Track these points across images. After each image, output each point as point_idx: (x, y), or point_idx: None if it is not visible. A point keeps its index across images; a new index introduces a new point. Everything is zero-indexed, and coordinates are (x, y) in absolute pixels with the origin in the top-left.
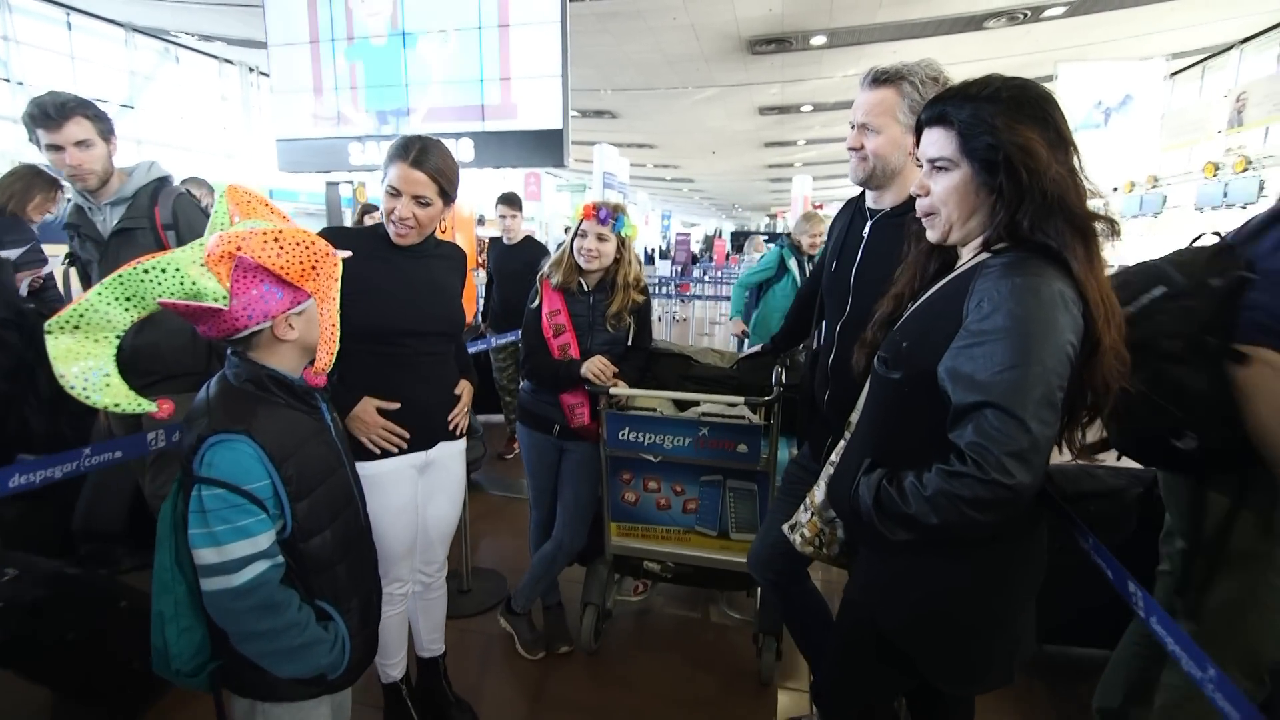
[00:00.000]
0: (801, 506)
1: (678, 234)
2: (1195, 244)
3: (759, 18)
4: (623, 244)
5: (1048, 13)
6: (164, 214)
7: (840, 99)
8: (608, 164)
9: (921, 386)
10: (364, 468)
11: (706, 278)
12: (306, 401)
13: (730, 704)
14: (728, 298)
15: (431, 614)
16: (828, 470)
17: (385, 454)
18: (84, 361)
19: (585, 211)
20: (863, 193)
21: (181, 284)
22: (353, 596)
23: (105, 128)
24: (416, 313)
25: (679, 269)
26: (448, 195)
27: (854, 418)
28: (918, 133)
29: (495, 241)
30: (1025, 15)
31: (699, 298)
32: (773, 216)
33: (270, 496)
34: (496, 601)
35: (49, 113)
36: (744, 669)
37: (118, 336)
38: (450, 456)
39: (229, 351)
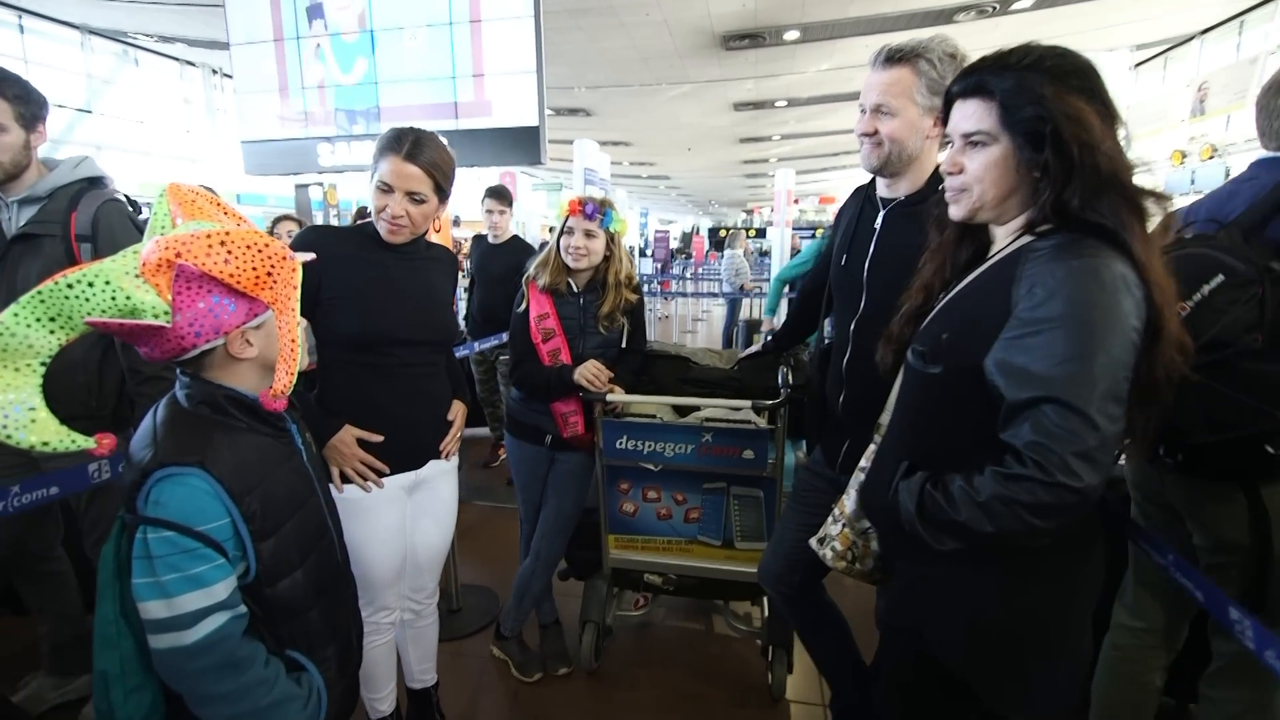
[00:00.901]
0: (830, 518)
1: (656, 231)
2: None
3: (732, 13)
4: (612, 240)
5: (1015, 5)
6: (81, 222)
7: (814, 93)
8: (589, 159)
9: (966, 381)
10: (348, 489)
11: (687, 275)
12: (272, 424)
13: None
14: (710, 294)
15: (422, 643)
16: (858, 477)
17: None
18: (2, 395)
19: (571, 207)
20: (872, 181)
21: (114, 299)
22: (329, 643)
23: (27, 111)
24: (406, 320)
25: (659, 266)
26: (443, 191)
27: (884, 419)
28: (946, 106)
29: (479, 239)
30: (994, 8)
31: (682, 295)
32: (749, 212)
33: (230, 537)
34: (489, 621)
35: None
36: (753, 682)
37: (43, 364)
38: (440, 476)
39: (178, 371)
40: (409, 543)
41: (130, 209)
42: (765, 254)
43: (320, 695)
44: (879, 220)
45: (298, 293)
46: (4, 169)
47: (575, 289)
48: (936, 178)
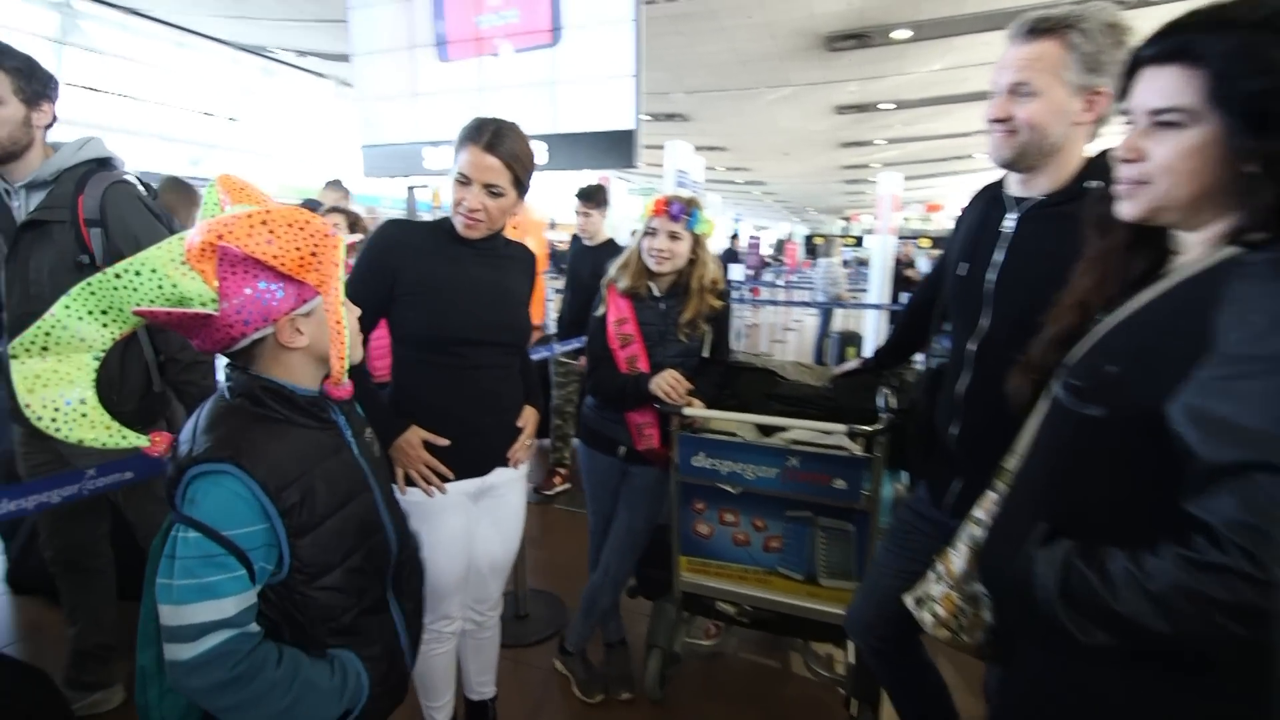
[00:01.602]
0: (932, 574)
1: (750, 238)
2: None
3: (837, 13)
4: (698, 243)
5: None
6: (89, 206)
7: (925, 95)
8: (680, 161)
9: (1137, 429)
10: (411, 492)
11: (779, 282)
12: (314, 415)
13: None
14: (802, 303)
15: (483, 654)
16: (971, 531)
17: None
18: (55, 389)
19: (655, 207)
20: (1001, 179)
21: (160, 287)
22: (375, 641)
23: (28, 87)
24: (479, 319)
25: (751, 273)
26: (522, 185)
27: (1011, 462)
28: (1128, 75)
29: (576, 240)
30: (1132, 0)
31: (772, 303)
32: (847, 219)
33: (258, 545)
34: (554, 631)
35: None
36: None
37: (96, 358)
38: (508, 483)
39: (227, 363)
40: (473, 551)
41: (141, 190)
42: (863, 263)
43: (361, 676)
44: (1011, 223)
45: (340, 271)
46: (1, 145)
47: (656, 293)
48: (1086, 173)
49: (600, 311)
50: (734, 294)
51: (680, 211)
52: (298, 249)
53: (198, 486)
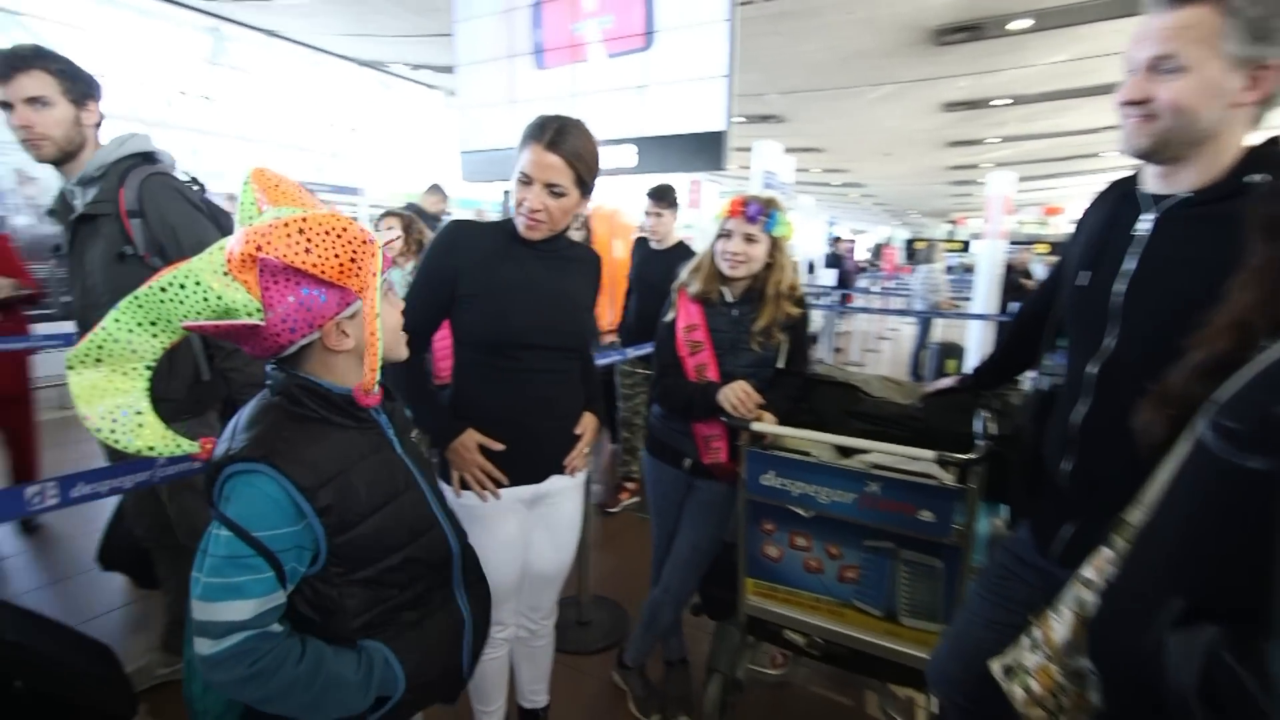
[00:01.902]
0: (1026, 641)
1: (833, 239)
2: None
3: (947, 4)
4: (776, 246)
5: None
6: (128, 198)
7: (1046, 89)
8: (768, 162)
9: None
10: (466, 496)
11: (875, 288)
12: (352, 415)
13: None
14: (897, 311)
15: (536, 663)
16: (1079, 594)
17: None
18: (111, 399)
19: (731, 207)
20: (1134, 173)
21: (205, 299)
22: (418, 642)
23: (75, 88)
24: (539, 322)
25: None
26: (585, 185)
27: (1136, 515)
28: None
29: (641, 242)
30: None
31: (865, 310)
32: (953, 223)
33: (290, 547)
34: (615, 641)
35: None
36: None
37: (148, 367)
38: (564, 492)
39: (268, 365)
40: (527, 559)
41: (180, 182)
42: (969, 270)
43: (391, 665)
44: (1147, 225)
45: (378, 279)
46: (56, 144)
47: (729, 299)
48: (1247, 166)
49: (669, 316)
50: (824, 300)
51: (757, 212)
52: (336, 256)
53: (232, 485)
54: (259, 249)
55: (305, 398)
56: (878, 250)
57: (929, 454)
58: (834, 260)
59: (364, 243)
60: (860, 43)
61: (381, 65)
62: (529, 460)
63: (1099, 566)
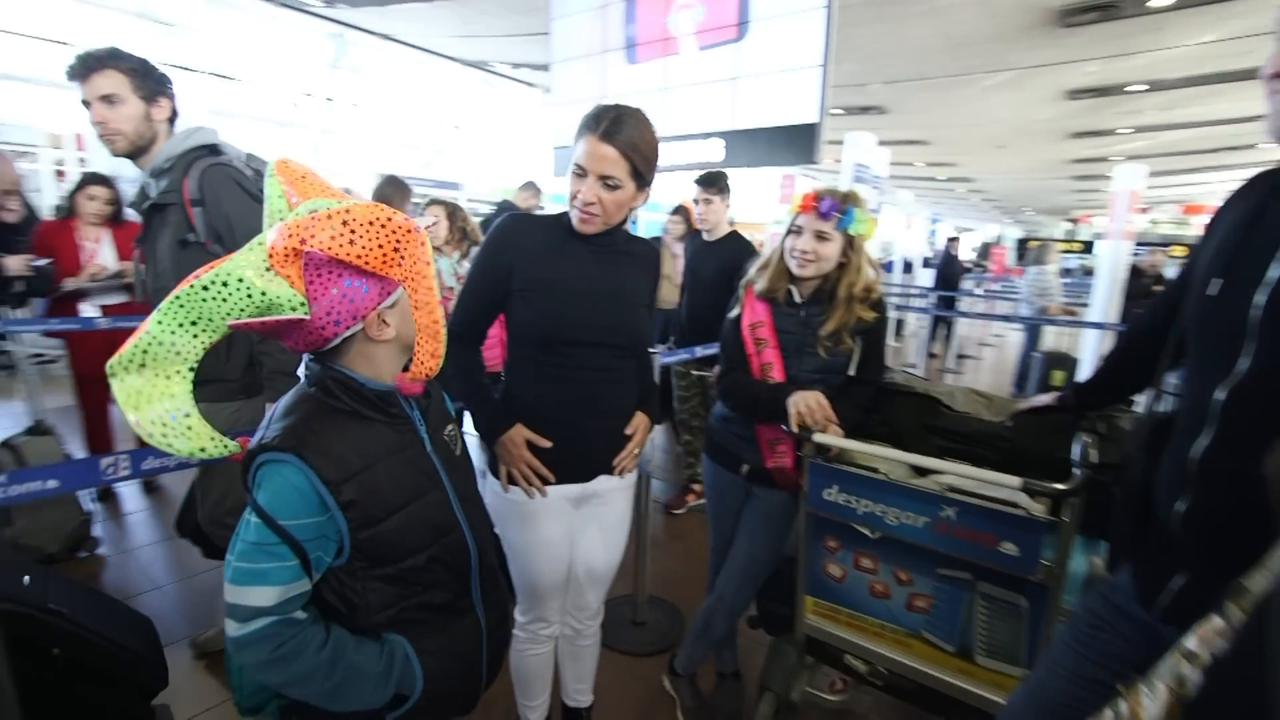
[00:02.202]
0: (1109, 715)
1: (948, 239)
2: None
3: None
4: (851, 245)
5: None
6: (191, 187)
7: (1190, 73)
8: (860, 154)
9: None
10: (513, 493)
11: (979, 290)
12: (383, 410)
13: None
14: (1002, 317)
15: (580, 662)
16: (1179, 668)
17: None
18: (159, 404)
19: (803, 203)
20: (1276, 169)
21: (249, 296)
22: (433, 635)
23: (145, 85)
24: (590, 319)
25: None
26: (641, 178)
27: (1259, 581)
28: None
29: (694, 236)
30: None
31: (963, 314)
32: (1074, 221)
33: (315, 537)
34: (669, 645)
35: (76, 65)
36: None
37: (191, 369)
38: (613, 491)
39: (306, 357)
40: (573, 558)
41: (239, 172)
42: (1089, 273)
43: (411, 662)
44: None
45: (430, 267)
46: (127, 138)
47: (798, 298)
48: None
49: (735, 312)
50: (920, 302)
51: (831, 208)
52: (380, 246)
53: (263, 473)
54: (303, 242)
55: (339, 390)
56: (985, 250)
57: (1013, 481)
58: (949, 261)
59: (408, 232)
60: (974, 27)
61: (485, 65)
62: (577, 459)
63: (1206, 637)
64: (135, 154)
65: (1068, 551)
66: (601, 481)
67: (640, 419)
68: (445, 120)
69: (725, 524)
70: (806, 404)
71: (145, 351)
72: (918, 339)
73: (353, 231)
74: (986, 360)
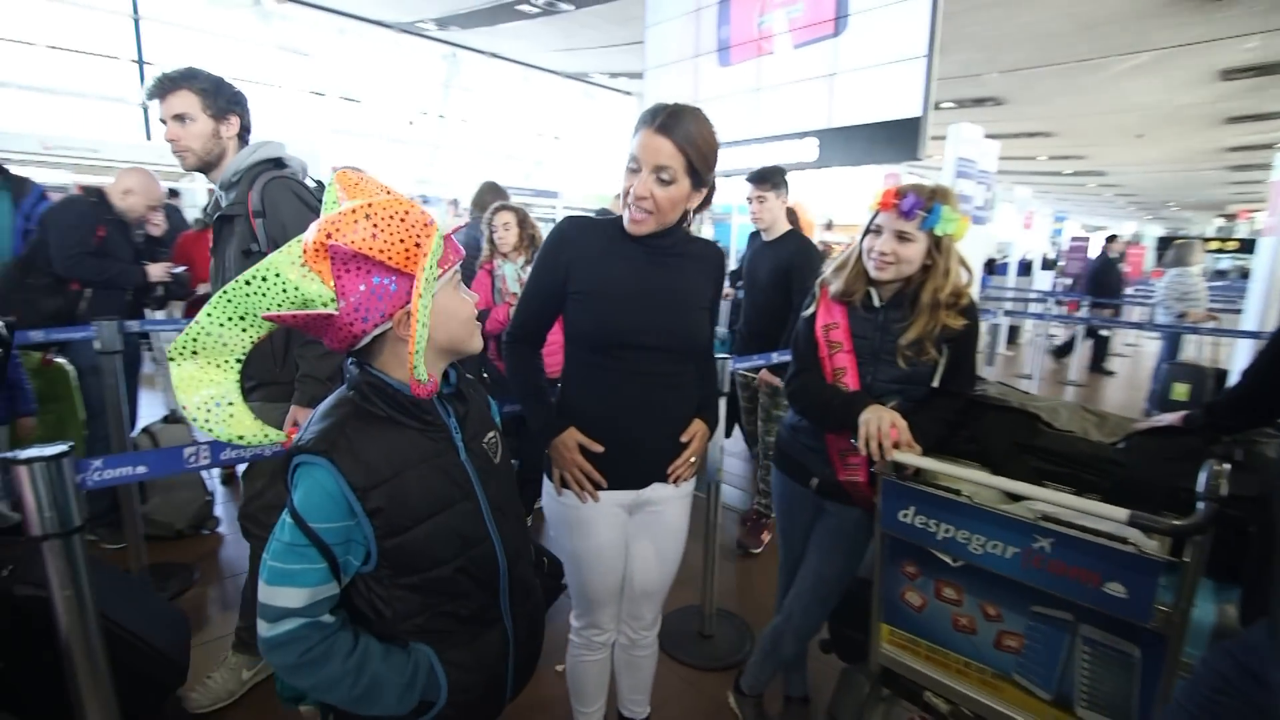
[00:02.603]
0: None
1: (1073, 239)
2: None
3: None
4: (938, 245)
5: None
6: (254, 199)
7: None
8: (964, 148)
9: None
10: (566, 498)
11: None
12: (418, 416)
13: None
14: (1135, 324)
15: (636, 673)
16: None
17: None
18: (206, 390)
19: (882, 199)
20: None
21: (285, 291)
22: (458, 646)
23: (216, 103)
24: (645, 321)
25: (1069, 283)
26: (698, 175)
27: None
28: None
29: (753, 236)
30: None
31: (1084, 320)
32: (1230, 217)
33: (343, 541)
34: (737, 661)
35: (154, 86)
36: None
37: (238, 360)
38: (668, 501)
39: (348, 361)
40: (628, 568)
41: (299, 184)
42: (1246, 275)
43: (436, 673)
44: None
45: (430, 260)
46: (196, 155)
47: (877, 301)
48: None
49: (810, 311)
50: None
51: (913, 206)
52: (401, 241)
53: (299, 474)
54: (329, 236)
55: (374, 395)
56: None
57: (1118, 513)
58: (1106, 266)
59: (425, 225)
60: (1106, 5)
61: (584, 76)
62: (631, 465)
63: None
64: (205, 168)
65: (1191, 598)
66: (656, 489)
67: (697, 426)
68: (546, 131)
69: (795, 540)
70: (880, 425)
71: (195, 340)
72: (1034, 347)
73: (374, 225)
74: (1120, 372)
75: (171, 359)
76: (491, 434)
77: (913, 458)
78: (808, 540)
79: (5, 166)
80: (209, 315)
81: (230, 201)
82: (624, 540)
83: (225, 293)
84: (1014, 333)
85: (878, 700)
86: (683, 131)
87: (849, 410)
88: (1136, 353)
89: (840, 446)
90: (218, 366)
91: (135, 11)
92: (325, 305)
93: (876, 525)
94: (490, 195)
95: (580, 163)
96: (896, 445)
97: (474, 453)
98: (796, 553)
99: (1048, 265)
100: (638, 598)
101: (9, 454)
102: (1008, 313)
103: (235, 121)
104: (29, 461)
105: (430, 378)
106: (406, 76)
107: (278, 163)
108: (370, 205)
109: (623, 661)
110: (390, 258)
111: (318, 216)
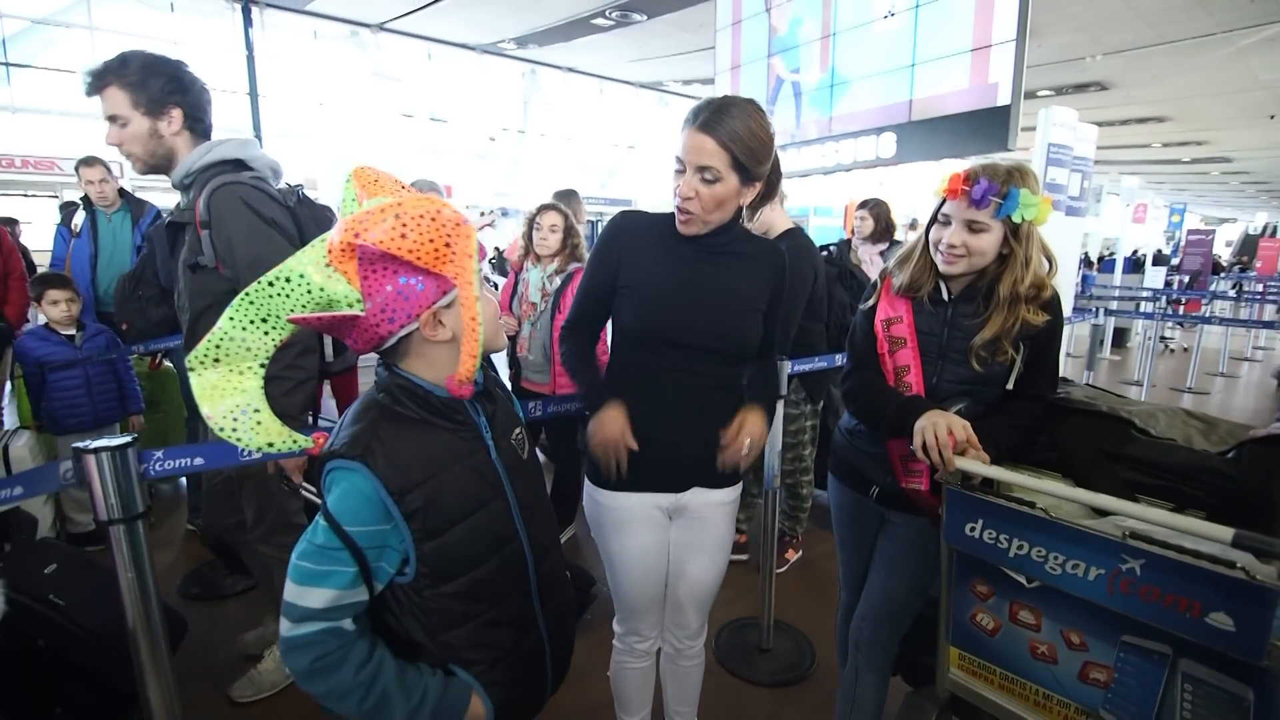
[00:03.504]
0: None
1: (1190, 233)
2: None
3: None
4: (1015, 233)
5: None
6: (201, 207)
7: None
8: (1056, 133)
9: None
10: (601, 496)
11: (1238, 293)
12: (449, 417)
13: None
14: (1262, 323)
15: (682, 683)
16: None
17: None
18: (231, 398)
19: (949, 185)
20: None
21: (309, 292)
22: (488, 655)
23: (147, 97)
24: (687, 319)
25: (1185, 280)
26: (745, 170)
27: None
28: None
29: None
30: None
31: (1205, 321)
32: None
33: (377, 546)
34: (796, 677)
35: (86, 83)
36: None
37: (261, 365)
38: (711, 508)
39: (377, 365)
40: (672, 577)
41: (250, 192)
42: None
43: (456, 698)
44: None
45: (474, 262)
46: (140, 159)
47: (947, 296)
48: None
49: (870, 303)
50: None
51: (986, 193)
52: (431, 241)
53: (333, 478)
54: (356, 235)
55: (405, 398)
56: (1247, 244)
57: (1221, 533)
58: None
59: (457, 225)
60: None
61: (659, 85)
62: (671, 466)
63: None
64: (157, 171)
65: None
66: (696, 494)
67: (750, 412)
68: (621, 141)
69: (857, 556)
70: (938, 432)
71: (218, 347)
72: (1144, 351)
73: (404, 225)
74: (1247, 379)
75: (192, 369)
76: (518, 430)
77: (979, 466)
78: (872, 556)
79: (129, 191)
80: (230, 319)
81: (181, 208)
82: (664, 545)
83: (247, 295)
84: (1121, 335)
85: None
86: (726, 128)
87: (903, 416)
88: (1270, 356)
89: (902, 451)
90: (241, 373)
91: (249, 49)
92: (351, 306)
93: (943, 541)
94: (568, 202)
95: (655, 170)
96: (962, 452)
97: (503, 450)
98: (859, 570)
99: (1160, 261)
100: (681, 606)
101: (80, 444)
102: (1110, 312)
103: (177, 115)
104: (97, 451)
105: (463, 378)
106: (488, 95)
107: (238, 164)
108: (400, 204)
109: (669, 671)
110: (419, 258)
111: (277, 229)
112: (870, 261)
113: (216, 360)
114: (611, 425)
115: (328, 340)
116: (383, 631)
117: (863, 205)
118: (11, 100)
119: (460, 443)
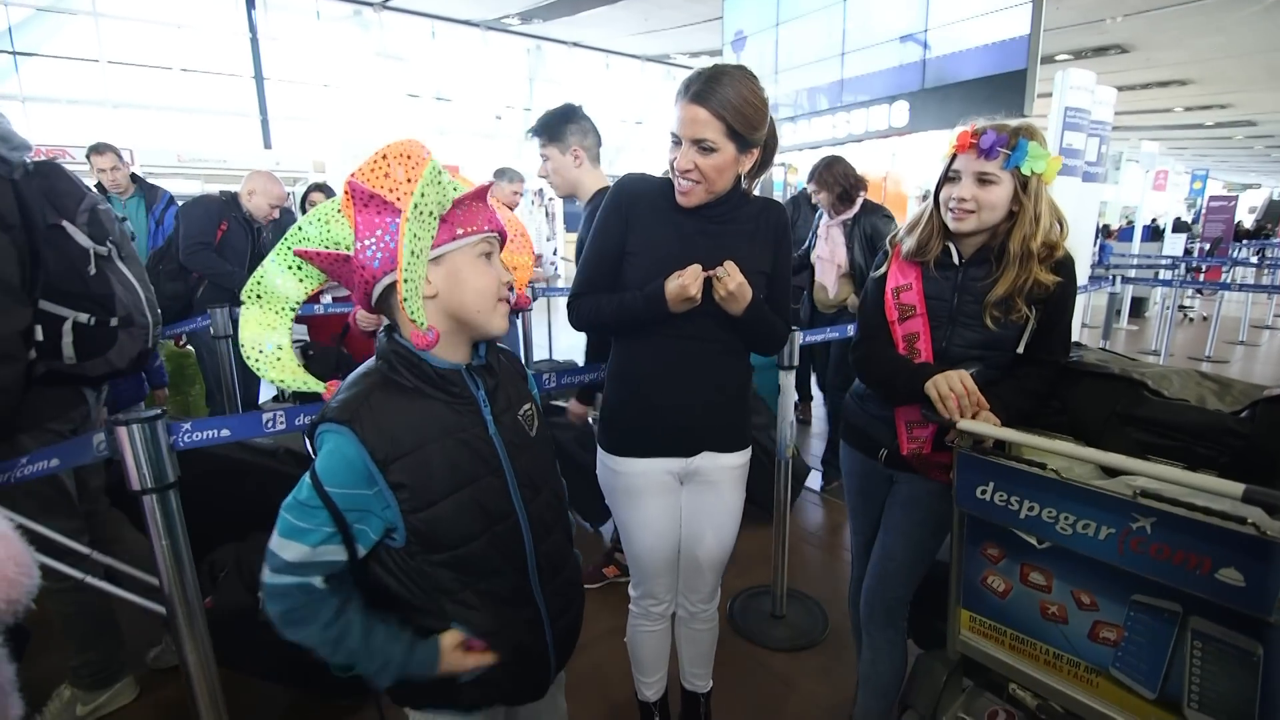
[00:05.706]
0: None
1: (1212, 199)
2: None
3: None
4: (1024, 188)
5: None
6: None
7: None
8: (1073, 96)
9: None
10: (613, 463)
11: (1260, 260)
12: (445, 389)
13: None
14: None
15: (696, 646)
16: None
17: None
18: (263, 333)
19: (959, 140)
20: None
21: (324, 236)
22: (480, 626)
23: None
24: None
25: (1206, 247)
26: (741, 138)
27: None
28: None
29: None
30: None
31: (1224, 287)
32: None
33: (358, 509)
34: (808, 643)
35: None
36: None
37: (292, 309)
38: (722, 473)
39: (379, 332)
40: (684, 542)
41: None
42: None
43: (425, 655)
44: None
45: (415, 190)
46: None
47: (958, 259)
48: None
49: (880, 271)
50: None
51: (994, 144)
52: (409, 179)
53: (323, 438)
54: (352, 176)
55: (400, 365)
56: (1273, 209)
57: (1232, 488)
58: None
59: (431, 168)
60: None
61: (666, 58)
62: (680, 430)
63: None
64: None
65: None
66: (706, 459)
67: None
68: (629, 116)
69: (865, 518)
70: (951, 386)
71: (260, 283)
72: (1162, 320)
73: (388, 164)
74: (1268, 347)
75: (243, 301)
76: (527, 406)
77: (988, 428)
78: (879, 518)
79: (141, 176)
80: (273, 259)
81: None
82: (676, 509)
83: (287, 239)
84: (1139, 305)
85: (958, 690)
86: (718, 97)
87: (914, 380)
88: None
89: (908, 417)
90: (275, 313)
91: (252, 31)
92: (348, 249)
93: (955, 502)
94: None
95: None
96: (974, 415)
97: (504, 426)
98: (867, 531)
99: (1180, 228)
100: (694, 570)
101: (112, 417)
102: (1127, 280)
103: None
104: (127, 423)
105: (431, 328)
106: (493, 73)
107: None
108: (388, 146)
109: (683, 634)
110: (399, 198)
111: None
112: (822, 238)
113: (259, 296)
114: (689, 281)
115: (66, 341)
116: (378, 588)
117: (810, 178)
118: (20, 89)
119: (454, 415)
